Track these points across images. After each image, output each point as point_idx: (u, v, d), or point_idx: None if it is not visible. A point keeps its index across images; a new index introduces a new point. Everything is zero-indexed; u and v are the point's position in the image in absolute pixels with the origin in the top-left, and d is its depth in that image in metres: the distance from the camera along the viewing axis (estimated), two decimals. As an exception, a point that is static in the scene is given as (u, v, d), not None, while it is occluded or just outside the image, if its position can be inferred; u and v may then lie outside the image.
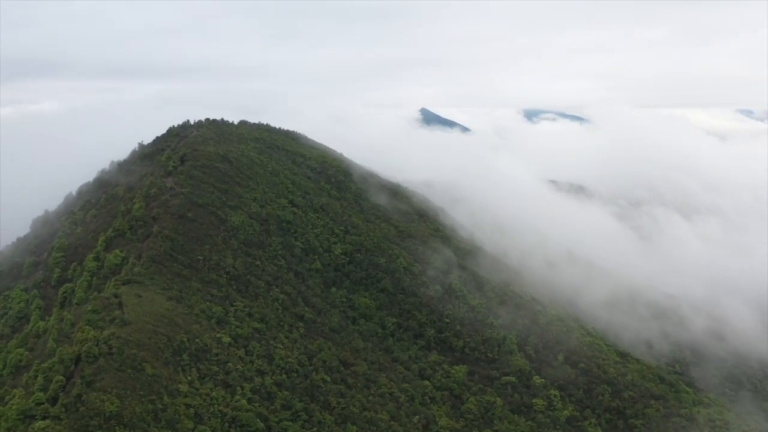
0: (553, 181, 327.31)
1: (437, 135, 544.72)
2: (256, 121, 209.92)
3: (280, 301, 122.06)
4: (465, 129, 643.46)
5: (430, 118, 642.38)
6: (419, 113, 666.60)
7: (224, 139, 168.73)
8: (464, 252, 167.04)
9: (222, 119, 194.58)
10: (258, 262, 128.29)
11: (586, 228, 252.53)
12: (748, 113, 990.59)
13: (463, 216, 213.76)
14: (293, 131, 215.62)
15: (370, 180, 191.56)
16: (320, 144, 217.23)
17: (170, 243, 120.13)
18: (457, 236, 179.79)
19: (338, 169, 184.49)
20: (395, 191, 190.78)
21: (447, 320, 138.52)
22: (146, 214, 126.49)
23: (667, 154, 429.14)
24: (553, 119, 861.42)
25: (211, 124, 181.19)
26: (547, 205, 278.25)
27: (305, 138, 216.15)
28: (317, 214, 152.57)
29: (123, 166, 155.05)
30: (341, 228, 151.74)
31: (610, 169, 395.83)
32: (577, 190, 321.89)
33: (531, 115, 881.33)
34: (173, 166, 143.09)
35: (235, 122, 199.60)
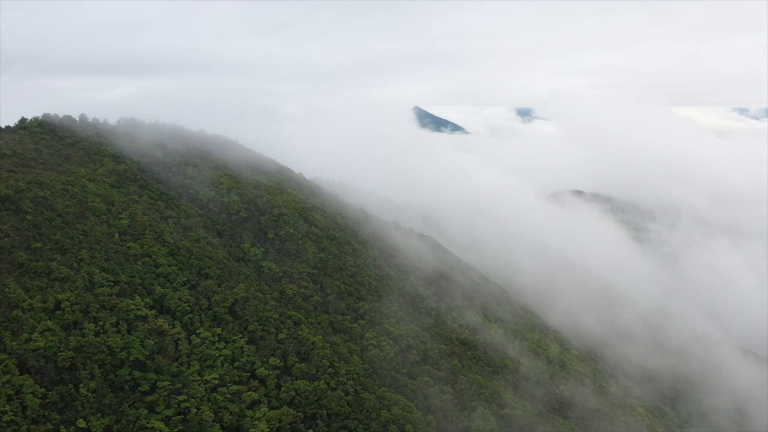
0: (553, 194, 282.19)
1: (432, 135, 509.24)
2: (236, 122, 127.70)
3: None
4: (458, 128, 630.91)
5: (423, 117, 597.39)
6: (412, 111, 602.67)
7: (49, 159, 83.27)
8: (520, 378, 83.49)
9: (83, 115, 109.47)
10: None
11: (610, 255, 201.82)
12: (743, 111, 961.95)
13: (466, 248, 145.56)
14: (221, 136, 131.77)
15: (349, 229, 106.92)
16: (271, 159, 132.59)
17: None
18: (497, 350, 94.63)
19: (288, 207, 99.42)
20: (392, 252, 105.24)
21: None
22: None
23: (664, 154, 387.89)
24: (547, 118, 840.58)
25: (42, 126, 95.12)
26: (557, 223, 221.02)
27: (243, 149, 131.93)
28: (220, 331, 67.79)
29: None
30: (274, 362, 67.28)
31: (606, 171, 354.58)
32: (578, 197, 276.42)
33: (524, 113, 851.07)
34: None
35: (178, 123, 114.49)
